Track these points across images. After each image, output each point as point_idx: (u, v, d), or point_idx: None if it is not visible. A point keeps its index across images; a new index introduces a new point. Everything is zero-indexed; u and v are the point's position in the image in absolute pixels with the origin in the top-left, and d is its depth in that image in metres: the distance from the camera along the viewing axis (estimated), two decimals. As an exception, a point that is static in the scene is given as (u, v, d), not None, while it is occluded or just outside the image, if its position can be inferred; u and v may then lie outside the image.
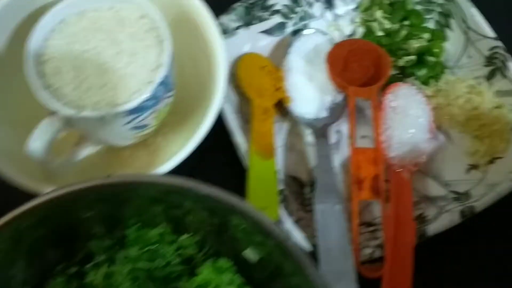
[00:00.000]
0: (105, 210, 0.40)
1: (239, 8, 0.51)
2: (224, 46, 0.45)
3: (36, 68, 0.40)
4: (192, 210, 0.40)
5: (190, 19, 0.47)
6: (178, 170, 0.42)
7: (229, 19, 0.51)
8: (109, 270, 0.39)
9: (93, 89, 0.39)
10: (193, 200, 0.39)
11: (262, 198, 0.44)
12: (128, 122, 0.41)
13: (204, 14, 0.45)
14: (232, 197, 0.38)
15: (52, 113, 0.39)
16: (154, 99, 0.41)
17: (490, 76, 0.51)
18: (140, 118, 0.42)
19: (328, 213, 0.46)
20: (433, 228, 0.46)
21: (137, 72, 0.40)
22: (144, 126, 0.44)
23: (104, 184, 0.38)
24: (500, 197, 0.46)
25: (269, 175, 0.46)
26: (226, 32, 0.51)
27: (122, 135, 0.44)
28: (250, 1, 0.52)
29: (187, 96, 0.50)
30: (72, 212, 0.38)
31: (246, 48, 0.53)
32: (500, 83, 0.50)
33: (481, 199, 0.46)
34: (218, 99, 0.44)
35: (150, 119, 0.43)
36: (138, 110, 0.40)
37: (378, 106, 0.48)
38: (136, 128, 0.43)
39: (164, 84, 0.41)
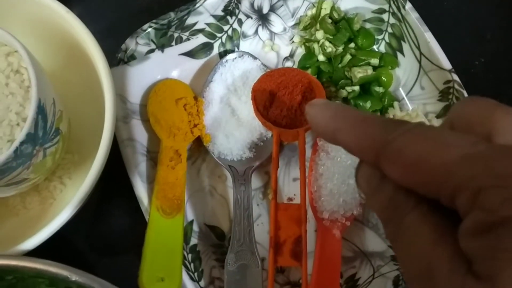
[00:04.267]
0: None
1: (149, 30, 0.43)
2: (110, 79, 0.37)
3: None
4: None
5: (82, 51, 0.39)
6: (75, 225, 0.36)
7: (137, 42, 0.43)
8: None
9: None
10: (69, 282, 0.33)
11: (161, 265, 0.38)
12: (-5, 182, 0.35)
13: (90, 43, 0.38)
14: (107, 285, 0.32)
15: None
16: (21, 158, 0.34)
17: (443, 114, 0.44)
18: (8, 178, 0.35)
19: (242, 276, 0.39)
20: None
21: (-6, 128, 0.33)
22: (21, 180, 0.37)
23: None
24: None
25: (173, 236, 0.39)
26: (134, 57, 0.43)
27: (-4, 190, 0.37)
28: (163, 22, 0.44)
29: (88, 133, 0.43)
30: None
31: (163, 74, 0.46)
32: (454, 123, 0.43)
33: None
34: (105, 146, 0.37)
35: (26, 174, 0.36)
36: (-1, 172, 0.33)
37: (304, 153, 0.41)
38: (10, 184, 0.36)
39: (32, 140, 0.34)
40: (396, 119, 0.21)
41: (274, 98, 0.43)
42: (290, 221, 0.40)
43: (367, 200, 0.22)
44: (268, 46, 0.48)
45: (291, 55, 0.48)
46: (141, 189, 0.40)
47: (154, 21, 0.44)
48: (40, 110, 0.34)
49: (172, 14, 0.44)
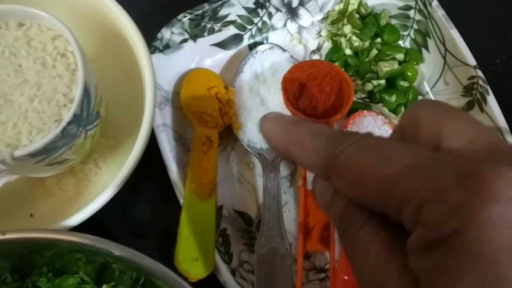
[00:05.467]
0: (15, 259, 0.36)
1: (184, 19, 0.45)
2: (151, 66, 0.39)
3: None
4: (113, 262, 0.35)
5: (121, 36, 0.40)
6: (108, 208, 0.37)
7: (173, 32, 0.45)
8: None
9: (-9, 126, 0.34)
10: (110, 257, 0.34)
11: (196, 247, 0.39)
12: (38, 162, 0.36)
13: (131, 30, 0.39)
14: (148, 260, 0.33)
15: None
16: (66, 138, 0.35)
17: (466, 108, 0.45)
18: (52, 157, 0.36)
19: (271, 260, 0.41)
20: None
21: (43, 108, 0.34)
22: (63, 161, 0.38)
23: (4, 240, 0.33)
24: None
25: (207, 218, 0.41)
26: (169, 46, 0.45)
27: (37, 170, 0.39)
28: (197, 12, 0.45)
29: (122, 119, 0.44)
30: None
31: (195, 64, 0.47)
32: (477, 117, 0.44)
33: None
34: (145, 131, 0.38)
35: (68, 155, 0.38)
36: (44, 151, 0.34)
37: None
38: (52, 164, 0.38)
39: (78, 121, 0.35)
40: (345, 131, 0.21)
41: (304, 89, 0.44)
42: (318, 208, 0.42)
43: (325, 213, 0.22)
44: (296, 39, 0.49)
45: (318, 49, 0.50)
46: (175, 173, 0.41)
47: (189, 11, 0.45)
48: (86, 92, 0.35)
49: (206, 5, 0.45)
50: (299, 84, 0.44)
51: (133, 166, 0.37)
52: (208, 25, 0.46)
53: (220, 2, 0.46)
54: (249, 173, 0.46)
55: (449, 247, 0.16)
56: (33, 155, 0.34)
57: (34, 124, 0.34)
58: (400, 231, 0.18)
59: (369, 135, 0.20)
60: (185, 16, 0.45)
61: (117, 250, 0.33)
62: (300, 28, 0.50)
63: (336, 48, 0.49)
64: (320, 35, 0.50)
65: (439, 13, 0.46)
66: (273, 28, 0.49)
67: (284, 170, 0.46)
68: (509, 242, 0.15)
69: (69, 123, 0.34)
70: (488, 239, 0.15)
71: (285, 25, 0.49)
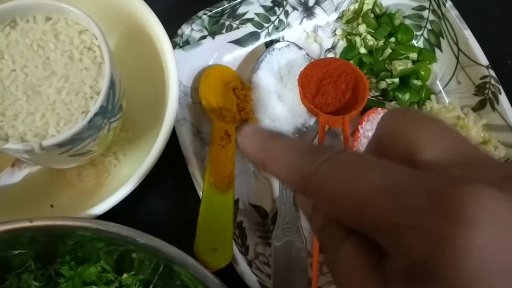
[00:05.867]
0: (38, 246, 0.37)
1: (204, 16, 0.46)
2: (175, 61, 0.40)
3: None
4: (133, 250, 0.36)
5: (143, 31, 0.41)
6: (127, 197, 0.38)
7: (193, 29, 0.46)
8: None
9: (20, 116, 0.35)
10: (132, 245, 0.35)
11: (215, 238, 0.40)
12: (64, 152, 0.37)
13: (155, 26, 0.40)
14: (171, 248, 0.34)
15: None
16: (92, 129, 0.36)
17: (478, 107, 0.46)
18: (77, 148, 0.37)
19: (287, 252, 0.42)
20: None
21: (71, 100, 0.35)
22: (86, 152, 0.39)
23: (32, 227, 0.34)
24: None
25: (225, 210, 0.41)
26: (188, 43, 0.46)
27: (60, 161, 0.40)
28: (217, 9, 0.46)
29: (143, 113, 0.45)
30: (2, 249, 0.35)
31: (213, 60, 0.48)
32: (489, 116, 0.45)
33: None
34: (168, 125, 0.39)
35: (92, 146, 0.38)
36: (71, 142, 0.35)
37: (348, 139, 0.44)
38: (76, 155, 0.38)
39: (103, 112, 0.36)
40: (319, 146, 0.20)
41: (320, 86, 0.45)
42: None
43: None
44: (312, 38, 0.50)
45: (333, 47, 0.51)
46: (194, 166, 0.42)
47: (208, 8, 0.46)
48: (112, 85, 0.36)
49: (225, 3, 0.46)
50: (315, 81, 0.45)
51: (156, 158, 0.38)
52: (227, 23, 0.47)
53: (239, 0, 0.47)
54: (264, 167, 0.47)
55: (423, 274, 0.15)
56: (60, 145, 0.35)
57: (62, 115, 0.35)
58: (379, 247, 0.18)
59: (341, 151, 0.19)
60: (205, 14, 0.46)
61: (141, 238, 0.34)
62: (316, 27, 0.51)
63: (351, 46, 0.50)
64: (335, 34, 0.51)
65: (453, 13, 0.47)
66: (289, 26, 0.50)
67: (299, 166, 0.47)
68: (482, 271, 0.15)
69: (95, 114, 0.35)
70: (459, 267, 0.15)
71: (301, 23, 0.50)
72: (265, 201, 0.46)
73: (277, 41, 0.50)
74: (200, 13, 0.46)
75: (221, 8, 0.46)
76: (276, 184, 0.46)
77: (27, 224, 0.34)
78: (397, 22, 0.49)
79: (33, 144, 0.34)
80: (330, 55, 0.51)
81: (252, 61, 0.49)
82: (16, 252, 0.36)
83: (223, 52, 0.48)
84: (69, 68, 0.36)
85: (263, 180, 0.47)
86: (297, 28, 0.50)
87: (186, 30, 0.45)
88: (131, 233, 0.34)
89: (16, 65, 0.35)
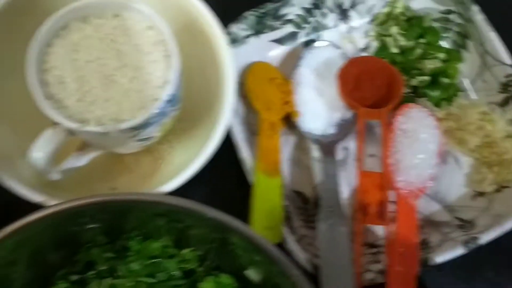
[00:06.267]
0: (108, 222, 0.40)
1: (250, 17, 0.50)
2: (232, 57, 0.43)
3: (39, 76, 0.38)
4: (194, 226, 0.39)
5: (198, 28, 0.45)
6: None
7: (240, 27, 0.49)
8: (112, 282, 0.39)
9: (97, 103, 0.38)
10: (196, 219, 0.38)
11: (267, 218, 0.44)
12: (133, 136, 0.40)
13: (212, 23, 0.44)
14: (235, 221, 0.37)
15: (55, 123, 0.38)
16: (161, 115, 0.39)
17: (504, 103, 0.50)
18: (145, 132, 0.40)
19: (331, 234, 0.45)
20: (437, 256, 0.45)
21: (142, 88, 0.38)
22: (149, 138, 0.42)
23: (107, 200, 0.37)
24: (506, 232, 0.45)
25: (275, 193, 0.45)
26: (236, 41, 0.49)
27: (126, 145, 0.43)
28: (262, 10, 0.50)
29: (195, 104, 0.49)
30: (75, 223, 0.38)
31: (256, 58, 0.52)
32: (513, 112, 0.49)
33: (485, 231, 0.45)
34: (227, 115, 0.42)
35: (156, 132, 0.42)
36: (142, 126, 0.39)
37: (387, 128, 0.47)
38: (141, 140, 0.42)
39: (171, 100, 0.39)
40: None
41: (357, 82, 0.49)
42: (373, 187, 0.46)
43: None
44: (346, 38, 0.54)
45: (366, 48, 0.55)
46: (245, 153, 0.46)
47: (254, 9, 0.50)
48: (179, 76, 0.40)
49: (269, 4, 0.50)
50: (353, 77, 0.49)
51: (216, 146, 0.41)
52: (270, 23, 0.51)
53: (281, 2, 0.50)
54: (305, 157, 0.50)
55: None
56: (134, 128, 0.38)
57: (135, 102, 0.38)
58: None
59: None
60: (251, 14, 0.50)
61: (209, 212, 0.37)
62: (350, 28, 0.54)
63: (383, 47, 0.53)
64: (368, 35, 0.55)
65: (479, 17, 0.51)
66: (325, 27, 0.54)
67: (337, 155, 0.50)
68: None
69: (166, 101, 0.38)
70: None
71: (336, 25, 0.54)
72: (306, 187, 0.49)
73: (314, 41, 0.53)
74: (247, 13, 0.49)
75: (265, 9, 0.50)
76: (316, 172, 0.49)
77: (108, 197, 0.37)
78: (426, 24, 0.53)
79: (109, 127, 0.38)
80: (364, 54, 0.54)
81: (291, 59, 0.52)
82: (88, 227, 0.39)
83: (265, 50, 0.52)
84: (140, 60, 0.39)
85: (304, 168, 0.50)
86: (333, 29, 0.54)
87: (233, 28, 0.49)
88: (200, 207, 0.36)
89: (91, 56, 0.39)
